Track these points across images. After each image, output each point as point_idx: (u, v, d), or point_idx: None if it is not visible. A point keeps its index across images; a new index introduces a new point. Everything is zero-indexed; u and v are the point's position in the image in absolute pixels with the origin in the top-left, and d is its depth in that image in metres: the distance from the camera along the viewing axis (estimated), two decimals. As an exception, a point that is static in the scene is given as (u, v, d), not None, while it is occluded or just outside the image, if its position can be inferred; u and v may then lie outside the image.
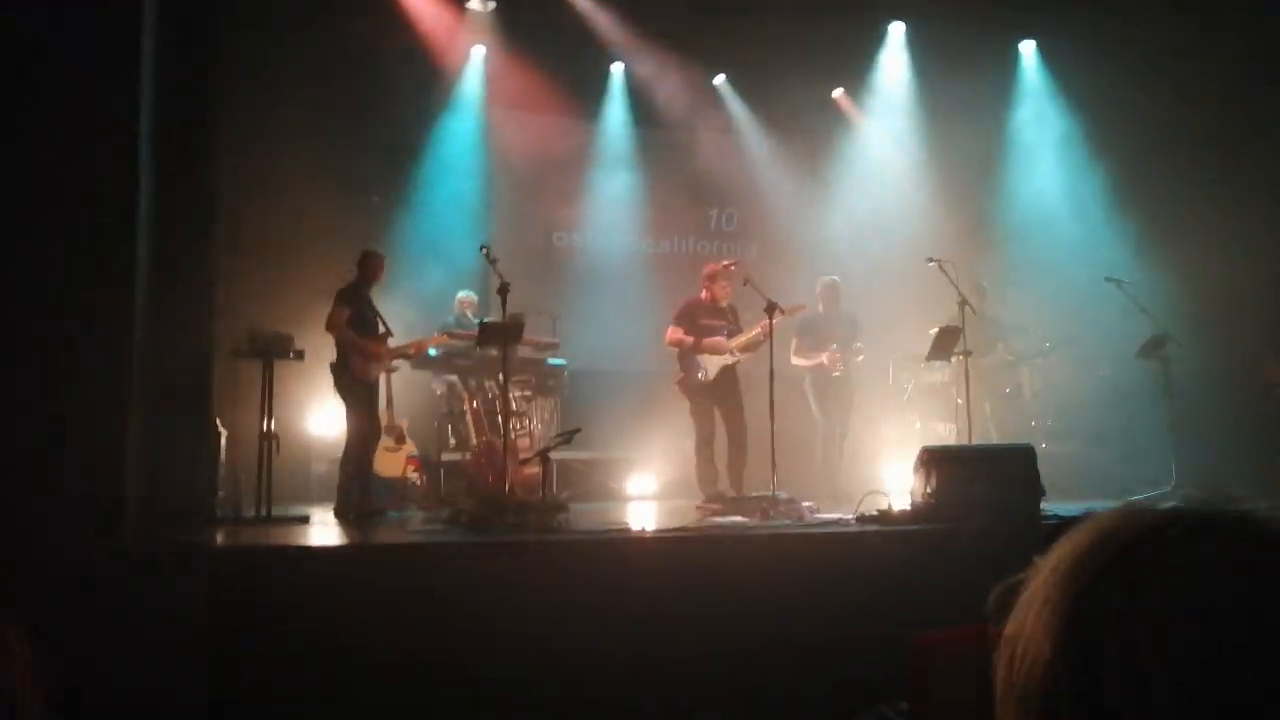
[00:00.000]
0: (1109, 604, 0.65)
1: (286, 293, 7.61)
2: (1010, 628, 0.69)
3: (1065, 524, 0.73)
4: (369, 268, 6.48)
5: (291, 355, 6.22)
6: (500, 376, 6.51)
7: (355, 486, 6.20)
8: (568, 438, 6.34)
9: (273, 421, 6.02)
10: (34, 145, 4.41)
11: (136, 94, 4.92)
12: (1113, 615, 0.64)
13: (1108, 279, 7.27)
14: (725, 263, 7.24)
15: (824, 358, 7.65)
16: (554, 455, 6.29)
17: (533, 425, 7.83)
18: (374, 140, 8.54)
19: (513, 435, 6.70)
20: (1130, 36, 8.46)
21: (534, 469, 6.77)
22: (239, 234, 7.19)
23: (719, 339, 7.09)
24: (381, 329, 6.51)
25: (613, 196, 9.66)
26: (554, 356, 8.23)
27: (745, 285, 6.66)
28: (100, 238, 4.68)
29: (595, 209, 9.65)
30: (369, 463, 6.56)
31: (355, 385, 6.32)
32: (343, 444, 6.52)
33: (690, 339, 7.10)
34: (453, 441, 7.76)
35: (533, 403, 7.92)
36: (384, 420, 7.11)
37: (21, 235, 4.44)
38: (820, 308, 7.89)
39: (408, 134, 8.73)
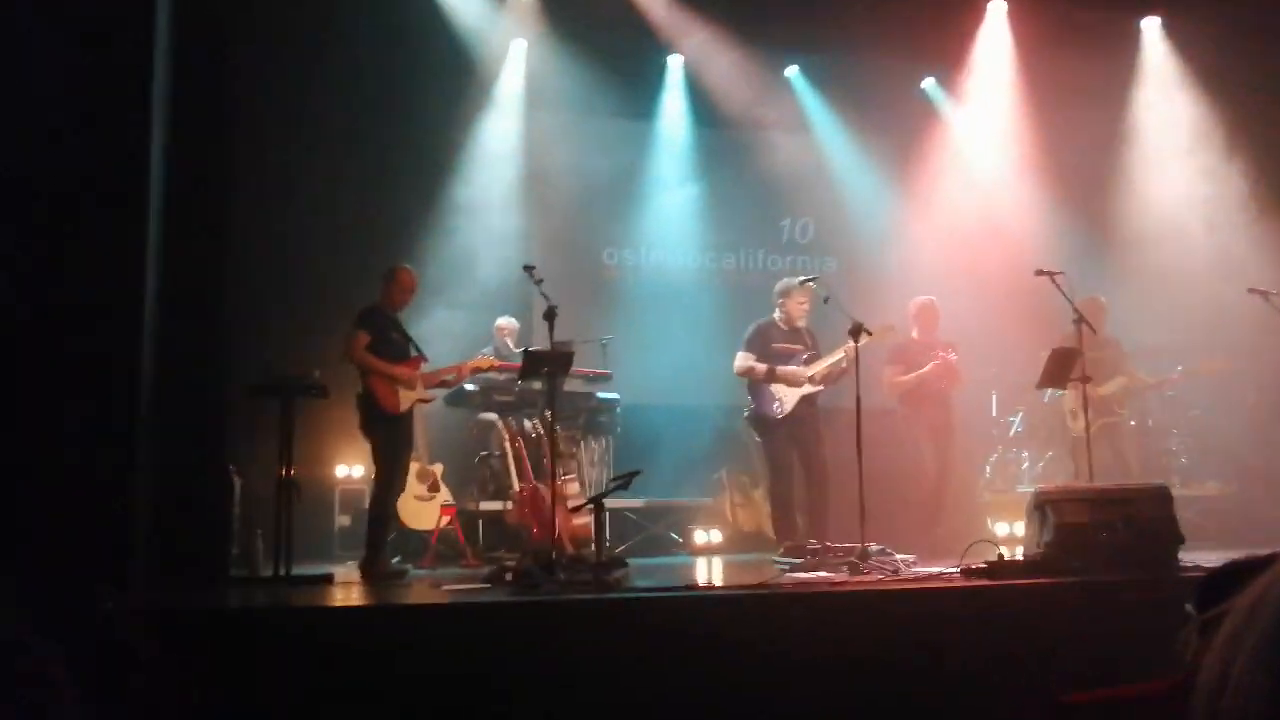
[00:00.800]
0: None
1: (308, 322, 7.67)
2: (1209, 672, 0.68)
3: (1223, 573, 0.73)
4: (395, 285, 6.47)
5: (313, 392, 6.19)
6: (546, 413, 6.51)
7: (378, 541, 6.24)
8: (624, 482, 6.15)
9: (292, 468, 6.00)
10: (46, 179, 4.69)
11: (149, 109, 5.16)
12: None
13: (1251, 290, 7.06)
14: (801, 279, 7.12)
15: (928, 367, 7.55)
16: (608, 503, 6.30)
17: (583, 469, 7.88)
18: (403, 145, 8.57)
19: (560, 480, 6.64)
20: (1268, 10, 8.29)
21: (585, 519, 6.77)
22: (255, 255, 7.26)
23: (795, 367, 7.05)
24: (414, 353, 6.49)
25: (671, 207, 9.65)
26: (606, 390, 8.23)
27: (825, 304, 6.59)
28: (107, 261, 4.88)
29: (651, 222, 9.65)
30: (392, 514, 6.55)
31: (383, 420, 6.26)
32: (370, 491, 6.53)
33: (762, 367, 7.04)
34: (491, 489, 7.76)
35: (582, 443, 7.95)
36: (415, 465, 7.12)
37: (29, 261, 4.68)
38: (914, 333, 7.80)
39: (440, 137, 8.78)
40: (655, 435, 8.28)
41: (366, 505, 6.71)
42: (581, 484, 7.64)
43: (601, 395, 8.22)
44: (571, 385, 7.75)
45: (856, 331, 6.33)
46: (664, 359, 8.73)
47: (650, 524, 8.34)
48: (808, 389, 7.05)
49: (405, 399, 6.38)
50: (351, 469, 8.05)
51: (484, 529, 7.66)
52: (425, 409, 7.04)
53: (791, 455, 7.04)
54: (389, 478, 6.32)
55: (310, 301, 7.88)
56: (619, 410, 8.28)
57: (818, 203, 9.82)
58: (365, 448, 6.72)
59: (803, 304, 7.11)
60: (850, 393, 6.23)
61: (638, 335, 8.80)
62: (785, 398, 7.03)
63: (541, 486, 6.89)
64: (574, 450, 7.79)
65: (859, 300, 6.97)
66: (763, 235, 9.99)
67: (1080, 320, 6.74)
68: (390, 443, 6.34)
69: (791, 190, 9.70)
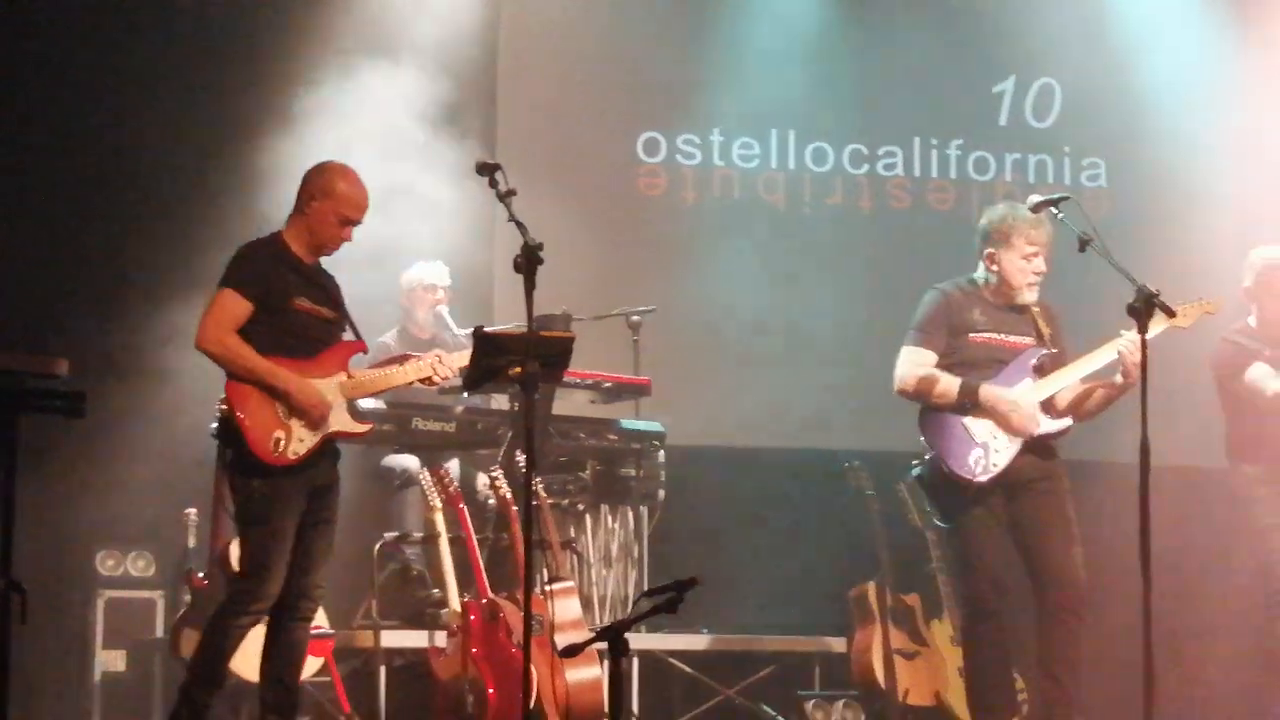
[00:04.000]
0: None
1: (58, 270, 8.32)
2: None
3: None
4: (328, 204, 6.37)
5: (55, 403, 5.81)
6: (517, 459, 6.84)
7: (201, 688, 6.17)
8: (669, 599, 5.63)
9: (9, 558, 5.47)
10: None
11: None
12: None
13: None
14: (1039, 200, 6.70)
15: None
16: (639, 640, 6.67)
17: (591, 570, 8.01)
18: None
19: (545, 593, 6.71)
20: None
21: (593, 672, 6.86)
22: None
23: (1018, 396, 6.86)
24: (340, 332, 6.50)
25: (772, 55, 9.87)
26: (639, 416, 8.46)
27: (1082, 253, 6.35)
28: None
29: (732, 84, 9.89)
30: (232, 643, 6.31)
31: (253, 476, 6.17)
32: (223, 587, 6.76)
33: (952, 381, 6.88)
34: (406, 608, 7.89)
35: (591, 519, 8.12)
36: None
37: None
38: (1255, 314, 8.07)
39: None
40: (733, 507, 8.66)
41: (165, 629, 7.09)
42: (587, 601, 7.74)
43: (630, 424, 8.35)
44: (571, 403, 8.11)
45: (1146, 307, 6.11)
46: (754, 356, 9.04)
47: (722, 683, 8.25)
48: (1042, 424, 6.86)
49: (303, 434, 6.21)
50: (128, 557, 8.18)
51: (390, 686, 7.61)
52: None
53: (1006, 556, 6.91)
54: (249, 576, 6.23)
55: (65, 235, 8.48)
56: (662, 455, 8.35)
57: (1068, 51, 10.17)
58: (156, 515, 7.54)
59: (1035, 252, 6.87)
60: (1121, 433, 6.19)
61: (702, 308, 9.15)
62: (995, 442, 6.84)
63: (506, 606, 6.91)
64: (575, 531, 7.93)
65: (1149, 248, 7.31)
66: (959, 112, 10.24)
67: None
68: (262, 516, 6.19)
69: (1017, 24, 10.01)
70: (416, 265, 8.52)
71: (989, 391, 6.77)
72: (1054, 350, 6.91)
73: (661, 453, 8.30)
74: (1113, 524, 6.83)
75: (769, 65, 9.87)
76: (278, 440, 6.12)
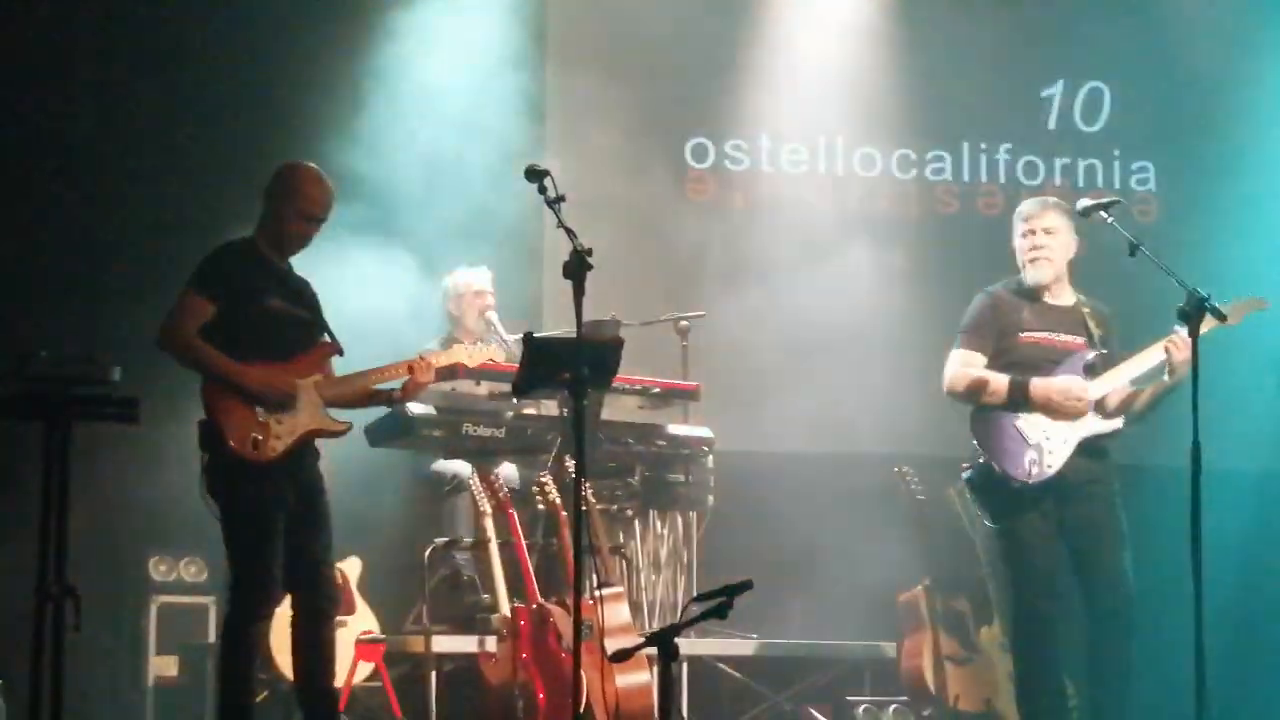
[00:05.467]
0: None
1: (105, 274, 8.20)
2: None
3: None
4: (291, 203, 6.33)
5: (106, 410, 5.81)
6: (567, 464, 6.84)
7: (237, 698, 6.16)
8: (719, 604, 5.58)
9: (65, 565, 5.68)
10: None
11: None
12: None
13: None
14: (1088, 205, 6.76)
15: None
16: (689, 645, 6.49)
17: (640, 575, 8.03)
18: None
19: (594, 598, 6.43)
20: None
21: (642, 677, 6.78)
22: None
23: (1067, 379, 6.80)
24: (317, 335, 6.41)
25: (818, 57, 9.84)
26: (689, 422, 8.39)
27: (1132, 256, 6.33)
28: None
29: (779, 88, 9.85)
30: (253, 652, 6.31)
31: (235, 473, 6.08)
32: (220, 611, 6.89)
33: (1001, 379, 6.86)
34: (456, 612, 7.85)
35: (640, 525, 8.12)
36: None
37: None
38: None
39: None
40: (782, 512, 8.59)
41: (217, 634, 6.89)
42: (636, 607, 7.75)
43: (679, 430, 8.32)
44: (620, 408, 8.09)
45: (1197, 313, 6.03)
46: (803, 361, 8.96)
47: (774, 691, 8.25)
48: (1094, 425, 6.80)
49: (280, 431, 6.14)
50: (181, 562, 8.19)
51: (440, 691, 7.51)
52: (333, 450, 6.73)
53: (1060, 562, 6.86)
54: (247, 581, 6.13)
55: (114, 234, 8.41)
56: (711, 460, 8.33)
57: (1117, 54, 10.09)
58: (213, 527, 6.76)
59: (1030, 229, 6.93)
60: (1172, 436, 6.07)
61: (750, 313, 8.99)
62: (1049, 443, 6.77)
63: (556, 611, 6.90)
64: (624, 538, 7.93)
65: (1198, 253, 7.30)
66: (1007, 117, 10.20)
67: None
68: (249, 516, 6.11)
69: (1064, 28, 10.10)
70: (461, 270, 8.45)
71: (1039, 384, 6.73)
72: (1104, 351, 6.85)
73: (710, 458, 8.30)
74: (1164, 529, 6.62)
75: (817, 70, 9.87)
76: (256, 440, 6.10)
